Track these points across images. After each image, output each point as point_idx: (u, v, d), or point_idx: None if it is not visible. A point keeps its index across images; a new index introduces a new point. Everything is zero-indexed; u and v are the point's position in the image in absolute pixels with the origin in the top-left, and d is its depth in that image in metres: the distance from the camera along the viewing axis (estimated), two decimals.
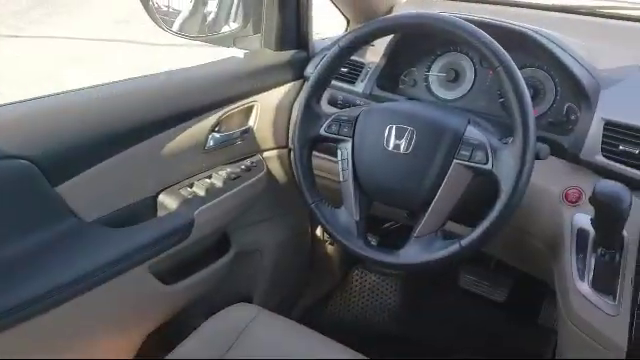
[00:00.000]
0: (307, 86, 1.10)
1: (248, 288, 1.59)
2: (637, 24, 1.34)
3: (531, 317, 1.65)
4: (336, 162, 1.09)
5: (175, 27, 1.42)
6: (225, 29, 1.47)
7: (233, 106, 1.31)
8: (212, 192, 1.26)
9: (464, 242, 0.94)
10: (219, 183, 1.29)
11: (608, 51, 1.19)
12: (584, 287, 0.97)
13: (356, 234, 1.06)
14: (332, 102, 1.18)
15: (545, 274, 1.12)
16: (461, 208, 1.00)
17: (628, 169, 0.99)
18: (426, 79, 1.35)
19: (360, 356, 1.05)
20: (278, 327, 1.13)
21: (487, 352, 1.67)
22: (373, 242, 1.80)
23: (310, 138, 1.10)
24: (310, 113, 1.10)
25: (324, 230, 1.10)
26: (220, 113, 1.28)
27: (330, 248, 1.87)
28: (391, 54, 1.34)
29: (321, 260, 1.87)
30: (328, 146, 1.12)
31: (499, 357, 1.62)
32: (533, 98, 1.20)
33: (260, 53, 1.44)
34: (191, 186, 1.26)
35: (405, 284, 1.89)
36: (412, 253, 0.99)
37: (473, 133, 0.97)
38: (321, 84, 1.10)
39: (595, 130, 1.04)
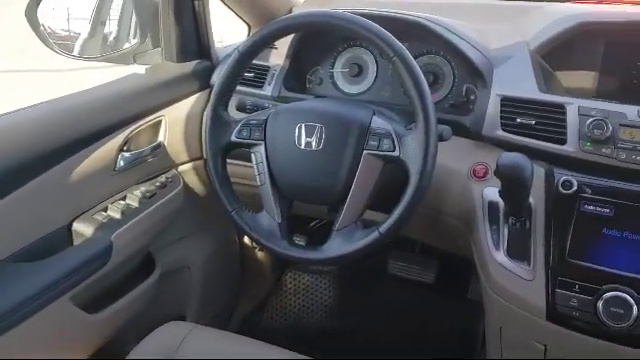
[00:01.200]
0: (212, 95, 1.10)
1: (180, 306, 1.56)
2: (521, 3, 1.41)
3: (461, 294, 1.72)
4: (252, 167, 1.08)
5: (76, 50, 1.37)
6: (126, 46, 1.44)
7: (140, 123, 1.28)
8: (128, 213, 1.23)
9: (382, 229, 0.97)
10: (135, 203, 1.25)
11: (497, 31, 1.25)
12: (500, 256, 1.02)
13: (280, 236, 1.06)
14: (241, 108, 1.18)
15: (466, 250, 1.17)
16: (377, 196, 1.03)
17: (526, 140, 1.05)
18: (331, 76, 1.37)
19: (300, 356, 1.05)
20: (214, 340, 1.11)
21: (421, 333, 1.72)
22: (301, 242, 1.81)
23: (222, 146, 1.09)
24: (219, 121, 1.09)
25: (248, 236, 1.09)
26: (127, 131, 1.25)
27: (260, 254, 1.86)
28: (294, 54, 1.35)
29: (252, 267, 1.86)
30: (242, 152, 1.11)
31: (433, 337, 1.68)
32: (433, 83, 1.25)
33: (162, 67, 1.41)
34: (105, 210, 1.22)
35: (338, 280, 1.91)
36: (335, 246, 1.01)
37: (378, 123, 1.00)
38: (225, 91, 1.09)
39: (493, 107, 1.09)
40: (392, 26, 1.01)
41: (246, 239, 1.81)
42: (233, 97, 1.12)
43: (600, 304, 0.92)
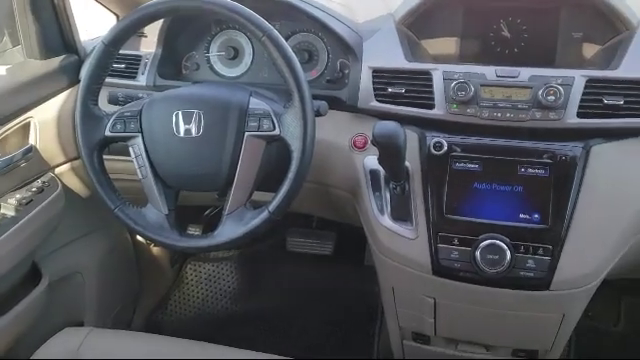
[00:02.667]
0: (79, 90, 1.05)
1: (77, 313, 1.49)
2: None
3: (358, 261, 1.78)
4: (131, 161, 1.05)
5: None
6: None
7: (5, 127, 1.20)
8: (4, 223, 1.15)
9: (271, 207, 0.98)
10: (10, 212, 1.18)
11: (364, 5, 1.29)
12: (385, 220, 1.07)
13: (168, 228, 1.04)
14: (112, 101, 1.13)
15: (355, 218, 1.22)
16: (265, 177, 1.04)
17: (399, 108, 1.10)
18: (208, 60, 1.35)
19: (206, 346, 1.05)
20: (114, 340, 1.08)
21: (325, 304, 1.78)
22: (197, 232, 1.79)
23: (96, 142, 1.05)
24: (89, 116, 1.05)
25: (135, 232, 1.06)
26: None
27: (156, 250, 1.82)
28: (166, 41, 1.32)
29: (150, 264, 1.81)
30: (120, 146, 1.08)
31: (337, 307, 1.73)
32: (309, 61, 1.28)
33: (25, 65, 1.33)
34: None
35: (240, 264, 1.92)
36: (227, 230, 1.01)
37: (256, 104, 1.00)
38: (93, 85, 1.04)
39: (366, 79, 1.13)
40: (261, 7, 1.01)
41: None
42: (104, 90, 1.08)
43: (477, 253, 0.99)
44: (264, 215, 0.99)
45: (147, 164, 1.03)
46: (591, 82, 1.01)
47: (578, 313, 1.11)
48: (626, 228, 1.00)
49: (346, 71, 1.24)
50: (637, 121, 1.00)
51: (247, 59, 1.33)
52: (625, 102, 1.00)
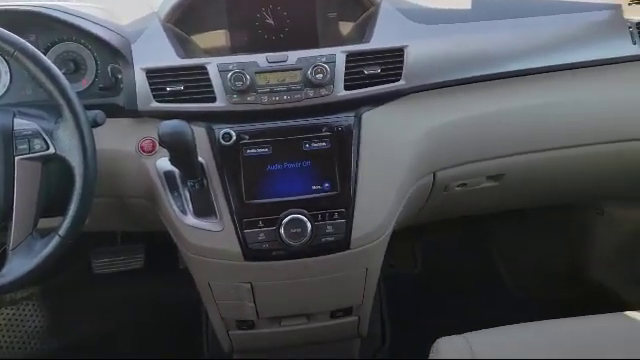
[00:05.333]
0: None
1: None
2: None
3: (172, 266, 1.74)
4: None
5: None
6: None
7: None
8: None
9: (62, 231, 0.92)
10: None
11: (126, 7, 1.25)
12: (189, 219, 1.07)
13: None
14: None
15: (160, 224, 1.19)
16: (49, 200, 0.96)
17: (181, 105, 1.09)
18: None
19: None
20: None
21: (147, 319, 1.71)
22: None
23: None
24: None
25: None
26: None
27: None
28: None
29: None
30: None
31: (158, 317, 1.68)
32: (76, 70, 1.20)
33: None
34: None
35: (43, 301, 1.76)
36: (15, 267, 0.92)
37: (23, 125, 0.93)
38: None
39: (140, 81, 1.10)
40: (10, 20, 0.93)
41: None
42: None
43: (282, 230, 1.05)
44: (55, 241, 0.92)
45: None
46: (350, 56, 1.11)
47: (379, 265, 1.23)
48: (402, 181, 1.14)
49: (119, 76, 1.19)
50: (395, 85, 1.13)
51: (4, 78, 1.21)
52: (382, 70, 1.12)
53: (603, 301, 1.11)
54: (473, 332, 1.03)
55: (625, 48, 1.22)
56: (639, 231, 1.61)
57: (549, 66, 1.20)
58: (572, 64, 1.21)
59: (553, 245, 1.92)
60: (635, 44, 1.22)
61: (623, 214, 1.63)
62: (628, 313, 1.05)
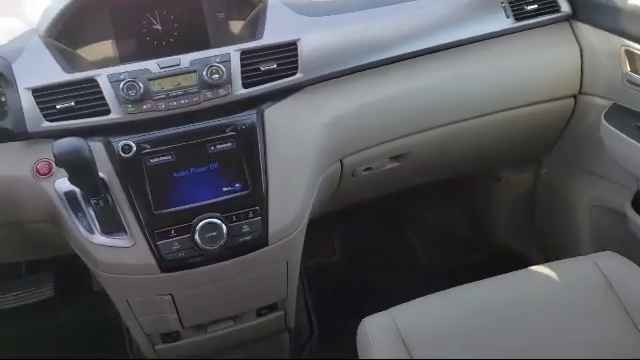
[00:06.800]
0: None
1: None
2: None
3: (87, 290, 1.67)
4: None
5: None
6: None
7: None
8: None
9: None
10: None
11: (4, 27, 1.18)
12: (97, 238, 1.03)
13: None
14: None
15: (67, 247, 1.13)
16: None
17: (75, 122, 1.05)
18: None
19: None
20: None
21: (66, 352, 1.63)
22: None
23: None
24: None
25: None
26: None
27: None
28: None
29: None
30: None
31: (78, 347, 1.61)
32: None
33: None
34: None
35: None
36: None
37: None
38: None
39: (27, 102, 1.04)
40: None
41: None
42: None
43: (197, 236, 1.03)
44: None
45: None
46: (244, 54, 1.11)
47: (298, 257, 1.24)
48: (311, 172, 1.16)
49: (2, 99, 1.12)
50: (292, 79, 1.14)
51: None
52: (278, 65, 1.13)
53: (510, 261, 1.19)
54: (395, 307, 1.08)
55: (501, 22, 1.30)
56: (531, 193, 1.74)
57: (436, 46, 1.26)
58: (457, 42, 1.28)
59: (459, 215, 2.02)
60: (509, 17, 1.30)
61: (516, 179, 1.75)
62: (531, 269, 1.14)
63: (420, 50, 1.25)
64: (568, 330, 1.02)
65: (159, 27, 1.19)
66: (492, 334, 1.02)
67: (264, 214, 1.08)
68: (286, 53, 1.14)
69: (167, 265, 1.05)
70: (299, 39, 1.15)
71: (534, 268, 1.14)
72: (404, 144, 1.32)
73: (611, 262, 1.12)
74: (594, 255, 1.15)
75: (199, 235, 1.03)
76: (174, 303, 1.13)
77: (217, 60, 1.09)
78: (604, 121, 1.28)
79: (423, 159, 1.42)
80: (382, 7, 1.26)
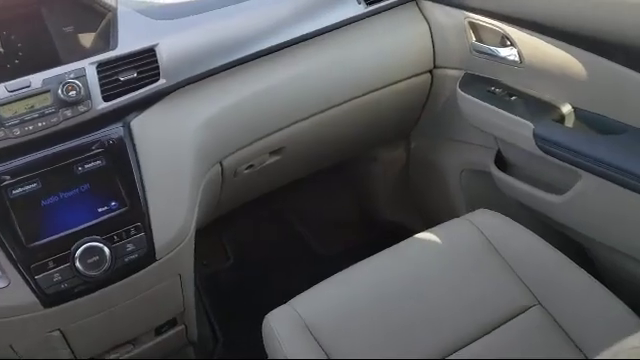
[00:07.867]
0: None
1: None
2: None
3: None
4: None
5: None
6: None
7: None
8: None
9: None
10: None
11: None
12: None
13: None
14: None
15: None
16: None
17: None
18: None
19: None
20: None
21: None
22: None
23: None
24: None
25: None
26: None
27: None
28: None
29: None
30: None
31: None
32: None
33: None
34: None
35: None
36: None
37: None
38: None
39: None
40: None
41: None
42: None
43: (78, 263, 0.97)
44: None
45: None
46: (101, 66, 1.06)
47: (191, 267, 1.21)
48: (191, 178, 1.12)
49: None
50: (155, 86, 1.10)
51: None
52: (138, 73, 1.09)
53: (398, 236, 1.25)
54: (295, 298, 1.09)
55: (354, 8, 1.35)
56: (405, 168, 1.83)
57: (295, 38, 1.28)
58: (315, 32, 1.30)
59: (344, 199, 2.08)
60: (360, 3, 1.35)
61: (390, 156, 1.83)
62: (415, 237, 1.20)
63: (280, 44, 1.26)
64: (460, 288, 1.09)
65: (1, 50, 1.09)
66: (390, 305, 1.06)
67: (147, 229, 1.04)
68: (145, 60, 1.10)
69: (50, 299, 0.97)
70: (157, 44, 1.11)
71: (418, 236, 1.20)
72: (281, 137, 1.33)
73: (484, 218, 1.21)
74: (469, 215, 1.23)
75: (80, 262, 0.97)
76: (65, 338, 1.06)
77: (72, 76, 1.03)
78: (459, 90, 1.37)
79: (302, 149, 1.44)
80: (239, 4, 1.26)
